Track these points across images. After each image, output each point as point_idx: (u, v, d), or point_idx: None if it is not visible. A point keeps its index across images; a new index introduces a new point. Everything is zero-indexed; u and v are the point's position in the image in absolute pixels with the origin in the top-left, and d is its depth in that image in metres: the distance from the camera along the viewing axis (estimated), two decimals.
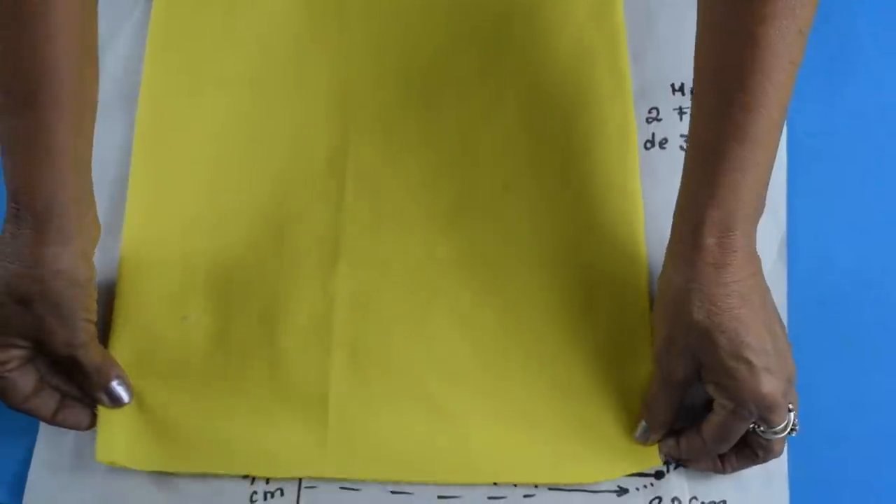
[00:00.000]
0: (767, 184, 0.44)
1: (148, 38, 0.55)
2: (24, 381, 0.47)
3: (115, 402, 0.49)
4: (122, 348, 0.50)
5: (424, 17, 0.55)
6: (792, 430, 0.45)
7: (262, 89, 0.54)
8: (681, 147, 0.52)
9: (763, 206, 0.44)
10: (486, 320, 0.50)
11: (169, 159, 0.53)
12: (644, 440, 0.48)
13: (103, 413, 0.49)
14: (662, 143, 0.53)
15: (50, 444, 0.50)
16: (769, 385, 0.43)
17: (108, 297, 0.51)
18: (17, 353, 0.46)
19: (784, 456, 0.48)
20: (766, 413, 0.44)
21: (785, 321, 0.50)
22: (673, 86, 0.53)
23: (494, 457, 0.48)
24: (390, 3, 0.55)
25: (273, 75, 0.54)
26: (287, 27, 0.55)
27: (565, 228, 0.51)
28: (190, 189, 0.53)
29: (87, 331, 0.47)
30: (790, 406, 0.45)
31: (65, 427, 0.49)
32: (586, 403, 0.49)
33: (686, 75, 0.53)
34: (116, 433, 0.49)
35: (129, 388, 0.49)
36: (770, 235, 0.51)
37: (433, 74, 0.54)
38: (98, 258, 0.49)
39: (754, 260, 0.45)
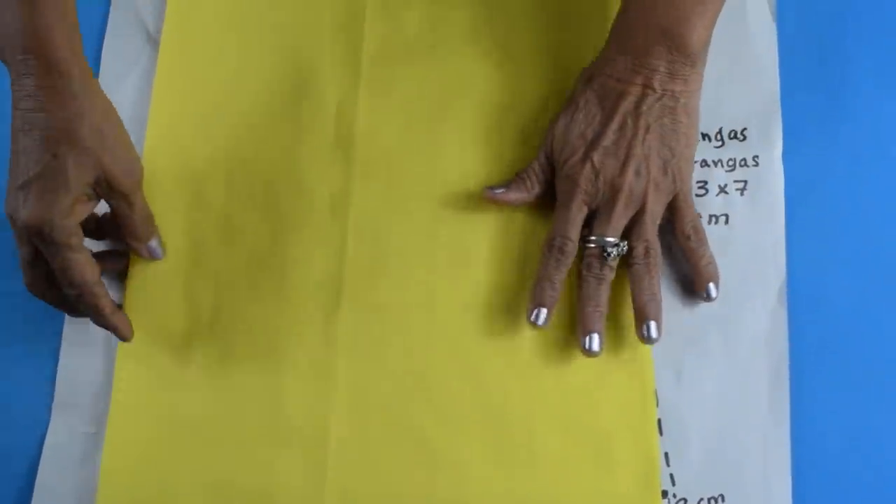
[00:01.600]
0: None
1: (154, 86, 0.55)
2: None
3: (154, 255, 0.52)
4: (127, 389, 0.51)
5: (430, 62, 0.55)
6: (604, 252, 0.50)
7: (266, 134, 0.54)
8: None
9: None
10: (487, 367, 0.50)
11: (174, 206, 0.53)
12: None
13: (102, 471, 0.50)
14: None
15: (55, 463, 0.51)
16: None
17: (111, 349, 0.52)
18: (90, 204, 0.48)
19: (788, 499, 0.49)
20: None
21: (786, 365, 0.50)
22: None
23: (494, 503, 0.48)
24: (399, 49, 0.55)
25: (277, 120, 0.55)
26: (292, 75, 0.55)
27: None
28: (195, 233, 0.53)
29: (140, 165, 0.50)
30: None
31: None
32: (587, 452, 0.49)
33: None
34: (116, 486, 0.49)
35: (163, 245, 0.53)
36: (770, 281, 0.51)
37: (436, 120, 0.54)
38: None
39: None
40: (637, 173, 0.49)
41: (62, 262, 0.47)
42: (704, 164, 0.53)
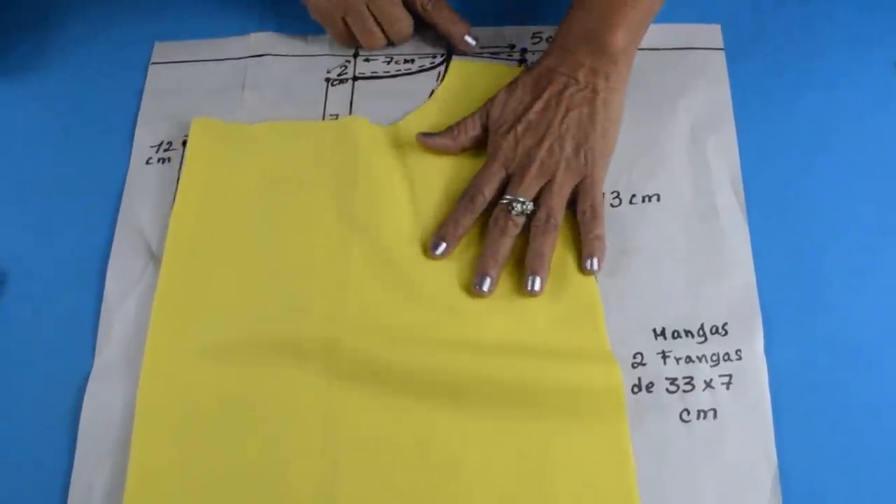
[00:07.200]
0: None
1: (154, 304, 0.57)
2: None
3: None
4: None
5: (410, 293, 0.57)
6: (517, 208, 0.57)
7: (260, 358, 0.55)
8: (667, 390, 0.54)
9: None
10: None
11: (169, 425, 0.54)
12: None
13: None
14: (649, 388, 0.54)
15: None
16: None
17: None
18: None
19: None
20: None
21: None
22: (654, 330, 0.56)
23: None
24: (382, 278, 0.58)
25: (271, 344, 0.56)
26: (286, 299, 0.57)
27: (556, 490, 0.51)
28: (191, 452, 0.53)
29: None
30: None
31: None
32: None
33: (665, 321, 0.56)
34: None
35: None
36: (762, 475, 0.51)
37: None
38: None
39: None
40: (551, 148, 0.58)
41: (388, 16, 0.63)
42: (689, 360, 0.55)
